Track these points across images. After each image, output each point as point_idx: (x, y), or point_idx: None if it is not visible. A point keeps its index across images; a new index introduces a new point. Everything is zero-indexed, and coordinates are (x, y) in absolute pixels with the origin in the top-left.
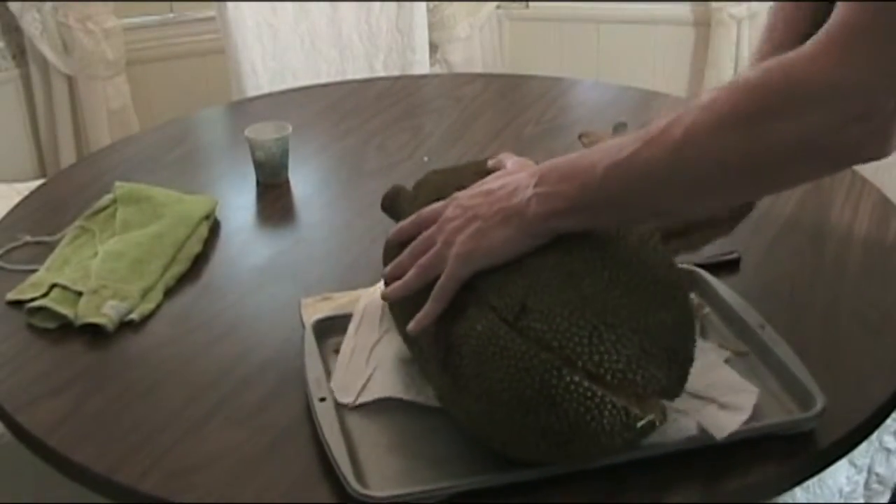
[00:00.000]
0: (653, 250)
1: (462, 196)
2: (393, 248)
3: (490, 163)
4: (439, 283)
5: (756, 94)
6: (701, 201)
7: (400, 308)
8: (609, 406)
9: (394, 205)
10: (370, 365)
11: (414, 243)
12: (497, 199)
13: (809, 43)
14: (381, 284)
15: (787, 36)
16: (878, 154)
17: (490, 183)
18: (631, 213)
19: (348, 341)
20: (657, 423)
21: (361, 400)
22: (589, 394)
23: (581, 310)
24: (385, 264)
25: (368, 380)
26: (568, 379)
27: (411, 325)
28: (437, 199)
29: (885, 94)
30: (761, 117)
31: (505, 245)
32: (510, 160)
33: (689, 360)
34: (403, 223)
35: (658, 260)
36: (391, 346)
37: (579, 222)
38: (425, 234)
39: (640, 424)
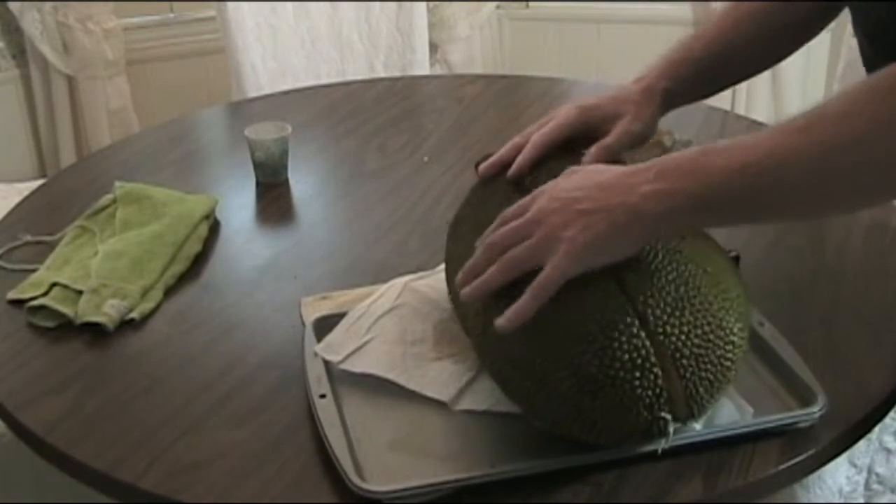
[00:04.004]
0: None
1: (554, 188)
2: (462, 239)
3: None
4: (543, 276)
5: None
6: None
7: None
8: (652, 377)
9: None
10: (370, 333)
11: (492, 238)
12: (605, 193)
13: None
14: (397, 280)
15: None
16: None
17: (586, 175)
18: (759, 215)
19: (360, 308)
20: (667, 427)
21: (346, 367)
22: (644, 353)
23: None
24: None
25: (360, 347)
26: (634, 331)
27: (503, 322)
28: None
29: None
30: None
31: (619, 243)
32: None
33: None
34: (504, 227)
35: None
36: (398, 322)
37: (697, 222)
38: (510, 226)
39: (661, 414)
